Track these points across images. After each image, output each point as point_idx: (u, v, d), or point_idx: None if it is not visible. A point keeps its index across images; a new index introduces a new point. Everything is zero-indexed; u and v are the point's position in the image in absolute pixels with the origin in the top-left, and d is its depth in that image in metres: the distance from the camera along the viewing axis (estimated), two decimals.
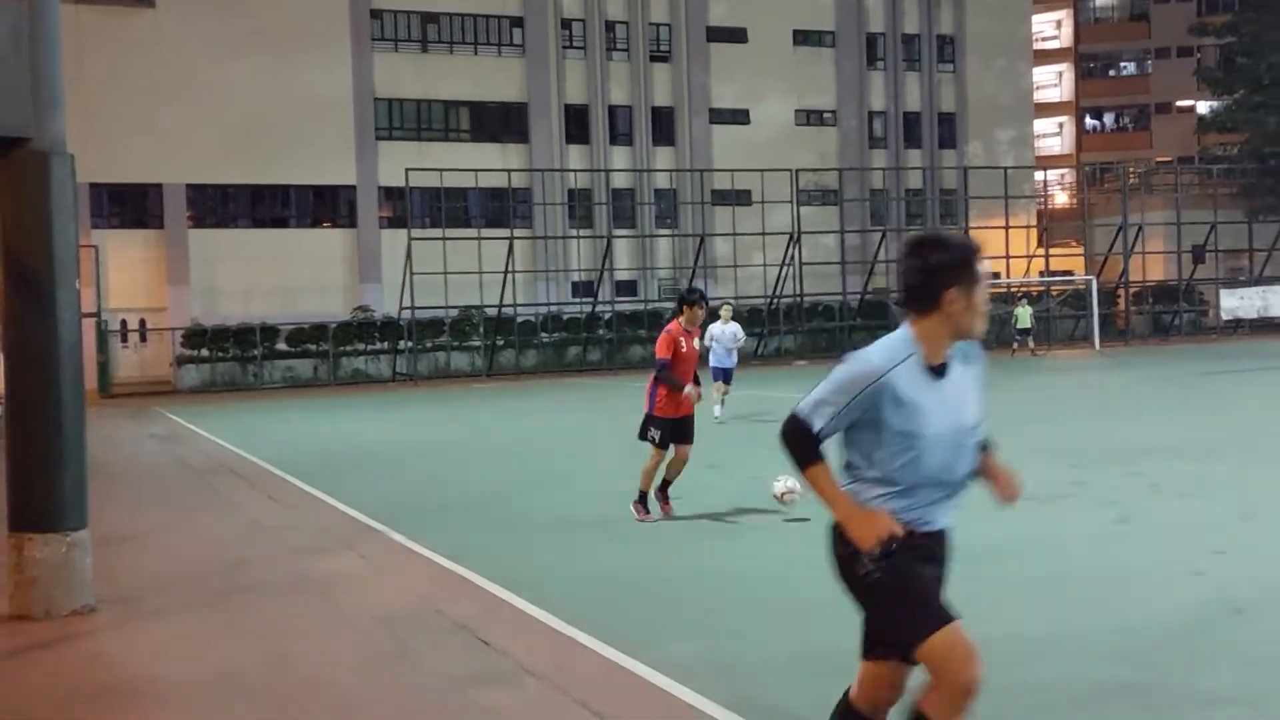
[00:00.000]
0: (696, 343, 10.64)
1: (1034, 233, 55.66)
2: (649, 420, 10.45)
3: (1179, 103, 71.10)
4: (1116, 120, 76.73)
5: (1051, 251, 55.56)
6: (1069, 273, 53.81)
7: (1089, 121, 76.68)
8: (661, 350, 10.35)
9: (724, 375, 19.78)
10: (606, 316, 45.09)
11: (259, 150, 44.86)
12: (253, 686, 6.24)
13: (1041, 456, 13.46)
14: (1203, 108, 65.73)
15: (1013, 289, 46.13)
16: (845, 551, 3.80)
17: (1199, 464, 12.46)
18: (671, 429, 10.35)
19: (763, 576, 8.23)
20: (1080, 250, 56.44)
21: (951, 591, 7.50)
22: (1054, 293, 49.23)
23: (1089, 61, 75.89)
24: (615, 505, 11.50)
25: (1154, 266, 53.12)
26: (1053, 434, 15.95)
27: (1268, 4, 54.21)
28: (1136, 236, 50.59)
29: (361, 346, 42.14)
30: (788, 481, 9.56)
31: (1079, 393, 24.74)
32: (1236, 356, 32.31)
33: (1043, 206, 62.18)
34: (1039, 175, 60.13)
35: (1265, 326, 48.12)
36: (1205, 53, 63.21)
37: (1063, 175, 70.92)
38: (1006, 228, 51.53)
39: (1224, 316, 49.28)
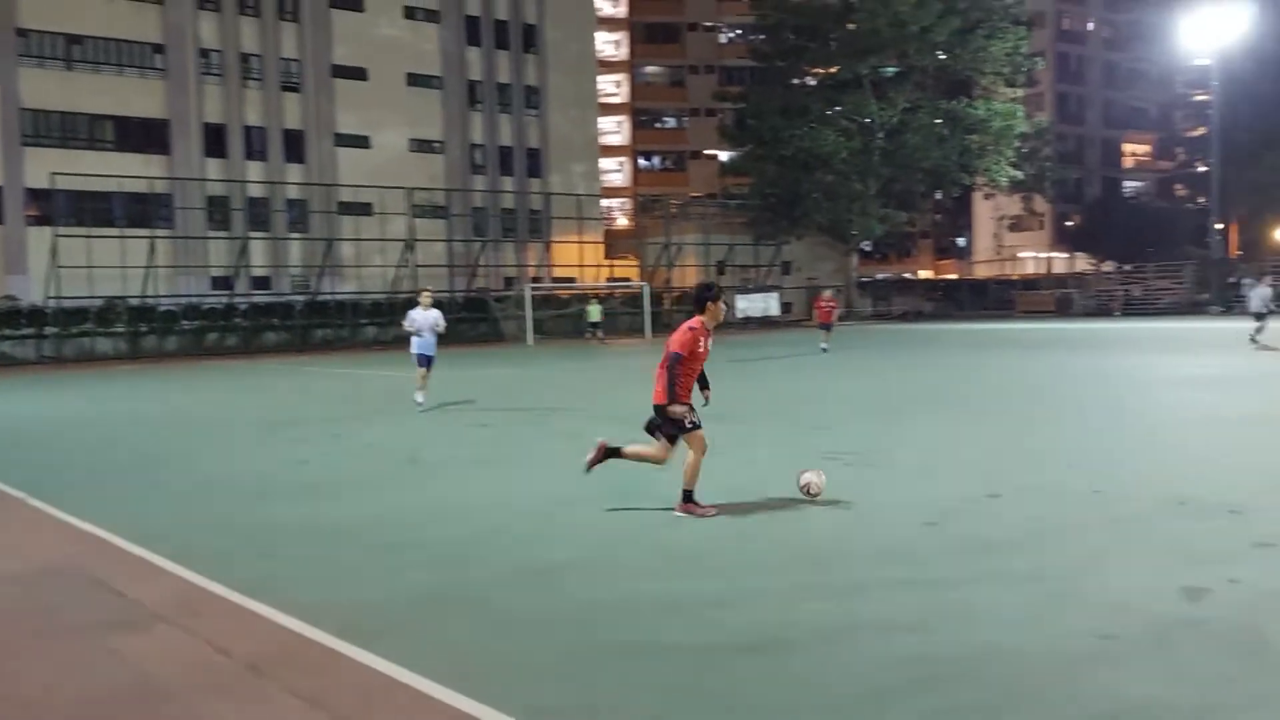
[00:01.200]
0: (709, 344, 8.01)
1: (601, 247, 58.00)
2: (675, 409, 7.72)
3: (707, 151, 75.84)
4: (662, 162, 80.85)
5: (614, 262, 57.98)
6: (627, 279, 56.18)
7: (642, 162, 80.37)
8: (680, 345, 7.73)
9: (427, 361, 16.22)
10: (243, 308, 42.54)
11: None
12: None
13: (606, 422, 13.96)
14: (724, 156, 70.48)
15: (585, 291, 47.68)
16: None
17: (719, 426, 13.31)
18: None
19: (380, 526, 7.96)
20: (636, 262, 59.04)
21: (520, 531, 7.55)
22: (616, 295, 51.20)
23: (641, 115, 79.53)
24: (245, 468, 10.84)
25: (690, 276, 56.51)
26: (615, 404, 16.58)
27: (768, 80, 58.91)
28: (677, 253, 53.68)
29: (8, 332, 37.41)
30: (819, 476, 8.11)
31: (636, 372, 25.82)
32: (747, 346, 34.92)
33: (608, 227, 64.61)
34: (605, 202, 62.42)
35: (767, 323, 52.44)
36: (725, 114, 67.50)
37: (623, 203, 74.04)
38: (580, 243, 53.46)
39: (739, 315, 53.17)
